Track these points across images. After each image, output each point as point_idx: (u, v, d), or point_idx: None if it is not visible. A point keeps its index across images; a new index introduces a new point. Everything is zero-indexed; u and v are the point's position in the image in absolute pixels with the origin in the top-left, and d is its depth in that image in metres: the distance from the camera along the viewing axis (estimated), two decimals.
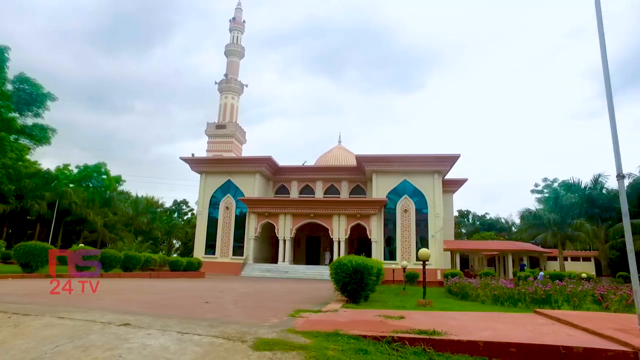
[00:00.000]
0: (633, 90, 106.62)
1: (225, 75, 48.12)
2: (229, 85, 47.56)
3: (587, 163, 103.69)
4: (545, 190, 63.00)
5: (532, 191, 67.12)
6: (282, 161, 41.13)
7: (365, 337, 4.53)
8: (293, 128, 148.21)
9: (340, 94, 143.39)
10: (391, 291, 16.90)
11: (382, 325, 5.44)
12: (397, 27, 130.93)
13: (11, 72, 38.01)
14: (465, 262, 59.04)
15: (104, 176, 60.04)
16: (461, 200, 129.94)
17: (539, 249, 39.72)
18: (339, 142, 54.40)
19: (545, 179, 65.73)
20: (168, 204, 71.13)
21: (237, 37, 49.94)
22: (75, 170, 58.54)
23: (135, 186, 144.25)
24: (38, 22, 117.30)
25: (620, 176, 5.27)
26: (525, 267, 32.94)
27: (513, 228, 67.89)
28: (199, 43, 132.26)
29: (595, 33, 5.39)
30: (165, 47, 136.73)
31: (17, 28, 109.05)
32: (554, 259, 45.58)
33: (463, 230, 75.54)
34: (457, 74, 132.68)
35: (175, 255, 57.77)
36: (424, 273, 10.39)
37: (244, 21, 51.15)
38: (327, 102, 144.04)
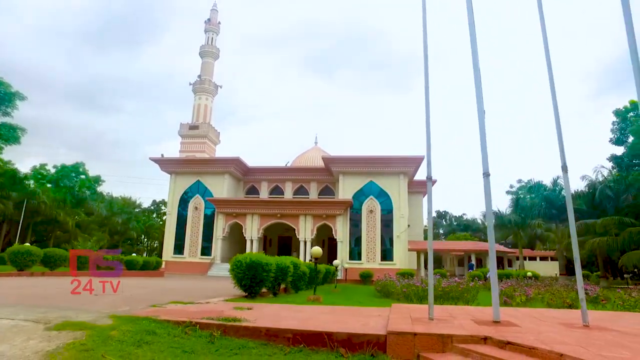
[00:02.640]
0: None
1: (199, 76, 48.40)
2: (203, 86, 47.83)
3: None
4: (520, 192, 64.32)
5: (507, 192, 68.35)
6: (269, 162, 41.73)
7: (169, 321, 5.07)
8: (283, 129, 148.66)
9: (331, 95, 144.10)
10: (327, 290, 17.45)
11: (218, 314, 5.95)
12: (387, 31, 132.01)
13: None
14: (439, 262, 60.25)
15: (83, 176, 59.88)
16: (446, 202, 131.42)
17: (503, 249, 40.71)
18: (316, 143, 54.93)
19: (519, 180, 66.92)
20: (147, 204, 71.19)
21: (212, 38, 50.24)
22: (53, 170, 58.31)
23: (121, 186, 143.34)
24: (28, 21, 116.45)
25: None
26: (474, 267, 33.80)
27: (500, 229, 68.98)
28: (189, 43, 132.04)
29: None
30: (157, 47, 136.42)
31: (8, 27, 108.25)
32: (524, 258, 46.69)
33: (441, 231, 76.67)
34: (448, 76, 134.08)
35: (153, 255, 57.76)
36: (316, 270, 10.98)
37: (219, 22, 51.47)
38: (318, 103, 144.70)
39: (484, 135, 6.07)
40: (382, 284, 14.64)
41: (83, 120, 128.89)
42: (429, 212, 6.10)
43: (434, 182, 44.60)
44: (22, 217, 37.54)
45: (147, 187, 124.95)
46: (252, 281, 9.56)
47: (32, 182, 51.55)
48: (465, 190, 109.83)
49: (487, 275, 26.76)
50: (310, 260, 31.85)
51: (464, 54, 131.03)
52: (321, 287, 19.59)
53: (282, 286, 13.37)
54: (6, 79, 38.36)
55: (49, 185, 51.58)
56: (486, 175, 6.01)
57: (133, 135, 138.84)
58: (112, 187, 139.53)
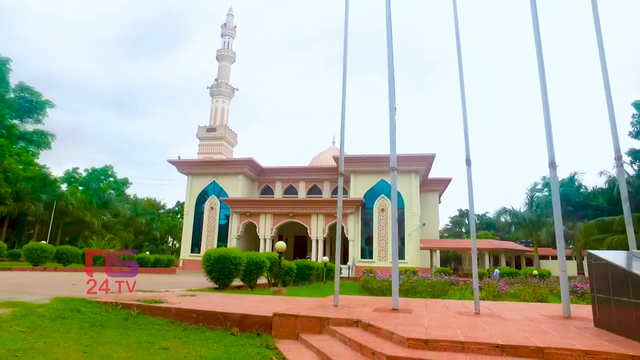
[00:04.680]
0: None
1: (216, 79, 49.90)
2: (220, 90, 49.31)
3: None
4: (545, 189, 62.57)
5: (531, 189, 66.58)
6: (290, 163, 42.72)
7: (98, 302, 5.78)
8: (303, 130, 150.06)
9: (352, 95, 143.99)
10: (316, 285, 18.03)
11: (148, 297, 6.61)
12: (410, 29, 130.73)
13: (40, 83, 41.14)
14: (459, 260, 59.63)
15: (111, 179, 63.00)
16: (465, 200, 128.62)
17: (519, 247, 39.87)
18: (333, 143, 55.40)
19: (543, 177, 65.11)
20: (172, 205, 73.84)
21: (229, 42, 51.67)
22: (84, 174, 61.70)
23: (149, 188, 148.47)
24: (67, 33, 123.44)
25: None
26: (480, 266, 33.33)
27: (512, 227, 67.54)
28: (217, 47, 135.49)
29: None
30: (186, 52, 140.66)
31: (49, 39, 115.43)
32: (546, 257, 45.46)
33: (463, 230, 75.50)
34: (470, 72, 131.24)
35: (175, 255, 59.96)
36: (279, 264, 11.53)
37: (235, 27, 52.87)
38: (338, 103, 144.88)
39: (393, 130, 6.47)
40: (363, 280, 15.06)
41: (117, 125, 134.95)
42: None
43: (449, 180, 44.47)
44: (52, 217, 39.99)
45: (173, 189, 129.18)
46: (221, 274, 10.24)
47: (65, 184, 54.81)
48: (488, 189, 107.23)
49: (492, 274, 26.55)
50: (308, 257, 32.51)
51: (485, 50, 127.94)
52: (317, 283, 20.16)
53: (265, 281, 14.01)
54: (47, 89, 41.43)
55: (80, 188, 54.67)
56: (393, 169, 6.41)
57: (163, 138, 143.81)
58: (141, 189, 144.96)
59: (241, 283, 12.17)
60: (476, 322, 4.75)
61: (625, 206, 5.62)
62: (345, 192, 42.58)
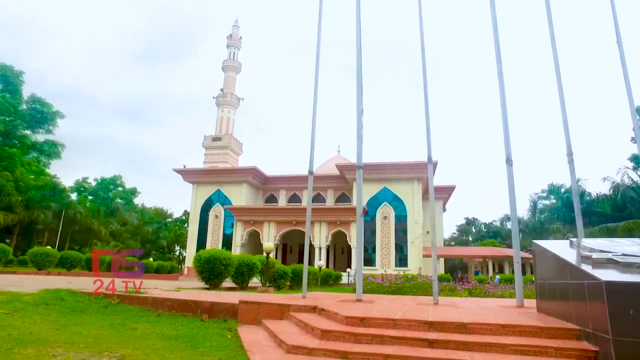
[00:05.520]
0: None
1: (222, 89, 50.85)
2: (225, 100, 50.22)
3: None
4: (552, 197, 62.10)
5: (539, 197, 66.06)
6: (297, 171, 43.46)
7: (83, 292, 6.19)
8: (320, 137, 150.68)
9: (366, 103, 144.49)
10: (312, 289, 18.24)
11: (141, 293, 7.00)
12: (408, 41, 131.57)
13: (54, 95, 42.33)
14: (465, 268, 59.36)
15: (120, 188, 64.15)
16: (475, 209, 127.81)
17: (525, 255, 39.63)
18: (338, 152, 55.83)
19: (550, 184, 64.63)
20: (179, 214, 74.69)
21: (234, 53, 52.75)
22: (94, 183, 62.97)
23: (159, 197, 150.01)
24: (81, 45, 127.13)
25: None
26: (480, 273, 33.35)
27: (521, 235, 66.97)
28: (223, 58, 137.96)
29: None
30: (193, 63, 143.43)
31: (66, 52, 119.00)
32: None
33: (470, 238, 74.95)
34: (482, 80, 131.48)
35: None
36: (267, 265, 11.88)
37: (240, 38, 53.97)
38: (344, 112, 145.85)
39: (360, 131, 6.85)
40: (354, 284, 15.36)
41: (129, 135, 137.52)
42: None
43: (453, 188, 44.54)
44: (60, 225, 40.88)
45: (180, 198, 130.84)
46: (211, 274, 10.63)
47: (75, 194, 56.00)
48: (495, 197, 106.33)
49: (494, 280, 26.53)
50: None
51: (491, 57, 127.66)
52: (313, 287, 20.42)
53: (259, 284, 14.33)
54: (62, 101, 42.71)
55: (90, 197, 55.82)
56: (359, 167, 6.77)
57: (171, 148, 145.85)
58: (149, 198, 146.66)
59: (233, 285, 12.52)
60: (425, 309, 5.06)
61: (575, 199, 5.92)
62: (349, 199, 42.92)
